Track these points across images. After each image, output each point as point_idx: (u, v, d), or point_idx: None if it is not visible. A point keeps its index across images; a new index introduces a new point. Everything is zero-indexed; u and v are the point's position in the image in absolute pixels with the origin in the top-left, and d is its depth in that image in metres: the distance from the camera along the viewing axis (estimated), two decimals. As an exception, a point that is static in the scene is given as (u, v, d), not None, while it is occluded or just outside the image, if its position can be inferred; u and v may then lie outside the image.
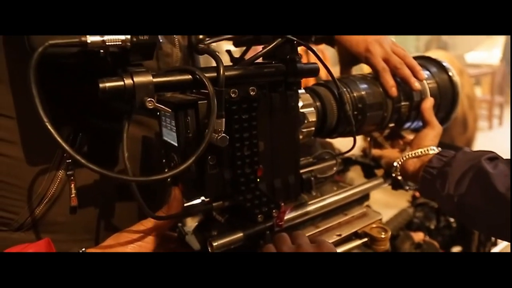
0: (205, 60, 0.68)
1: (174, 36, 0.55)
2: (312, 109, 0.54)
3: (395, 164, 0.63)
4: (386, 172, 0.66)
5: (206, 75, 0.40)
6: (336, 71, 0.54)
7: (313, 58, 0.50)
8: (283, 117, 0.47)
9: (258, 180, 0.46)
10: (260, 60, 0.47)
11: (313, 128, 0.55)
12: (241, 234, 0.47)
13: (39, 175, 0.47)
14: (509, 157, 0.52)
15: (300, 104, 0.51)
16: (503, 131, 4.20)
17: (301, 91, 0.55)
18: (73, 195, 0.48)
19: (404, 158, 0.62)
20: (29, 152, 0.47)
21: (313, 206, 0.56)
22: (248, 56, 0.48)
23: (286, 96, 0.47)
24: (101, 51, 0.36)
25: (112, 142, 0.51)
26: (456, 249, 1.05)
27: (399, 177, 0.63)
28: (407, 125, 0.69)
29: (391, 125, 0.66)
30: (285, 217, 0.51)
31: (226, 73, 0.41)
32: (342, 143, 0.76)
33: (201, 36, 0.49)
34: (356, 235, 0.57)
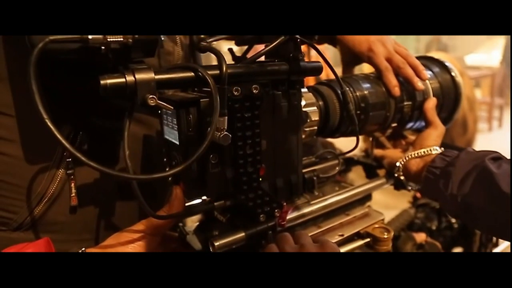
0: (206, 60, 0.67)
1: (176, 34, 0.55)
2: (315, 108, 0.54)
3: (397, 164, 0.63)
4: (388, 172, 0.66)
5: (209, 72, 0.39)
6: (337, 71, 0.53)
7: (313, 59, 0.50)
8: (286, 115, 0.47)
9: (261, 179, 0.46)
10: (262, 58, 0.47)
11: (315, 128, 0.54)
12: (243, 234, 0.46)
13: (39, 174, 0.47)
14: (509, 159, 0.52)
15: (303, 103, 0.50)
16: (503, 133, 4.20)
17: (304, 90, 0.54)
18: (73, 195, 0.47)
19: (407, 158, 0.62)
20: (28, 150, 0.47)
21: (316, 206, 0.55)
22: (249, 55, 0.47)
23: (289, 94, 0.47)
24: (102, 47, 0.35)
25: (113, 140, 0.50)
26: (457, 250, 1.05)
27: (402, 177, 0.63)
28: (410, 125, 0.69)
29: (394, 125, 0.66)
30: (287, 217, 0.50)
31: (228, 71, 0.40)
32: (343, 144, 0.76)
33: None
34: (358, 235, 0.56)
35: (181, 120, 0.41)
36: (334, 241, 0.53)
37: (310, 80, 1.21)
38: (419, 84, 0.63)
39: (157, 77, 0.37)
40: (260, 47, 0.46)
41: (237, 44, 0.53)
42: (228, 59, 0.44)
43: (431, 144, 0.61)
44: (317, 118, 0.54)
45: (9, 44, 0.44)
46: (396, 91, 0.62)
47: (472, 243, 0.98)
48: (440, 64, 0.72)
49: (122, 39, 0.35)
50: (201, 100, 0.41)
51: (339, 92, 0.55)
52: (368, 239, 0.55)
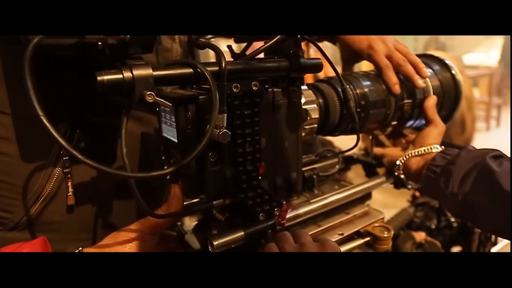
0: (204, 57, 0.67)
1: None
2: (315, 105, 0.53)
3: (397, 162, 0.63)
4: (388, 170, 0.66)
5: (208, 69, 0.39)
6: (337, 69, 0.53)
7: (312, 56, 0.49)
8: (285, 113, 0.46)
9: (260, 177, 0.45)
10: (262, 55, 0.46)
11: (315, 125, 0.54)
12: (242, 233, 0.46)
13: (35, 173, 0.46)
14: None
15: (303, 100, 0.50)
16: (501, 132, 4.22)
17: (304, 87, 0.54)
18: (70, 194, 0.47)
19: (407, 157, 0.61)
20: (24, 149, 0.46)
21: (315, 204, 0.55)
22: (248, 52, 0.47)
23: (288, 91, 0.46)
24: (99, 43, 0.35)
25: (110, 138, 0.50)
26: (456, 249, 1.05)
27: (402, 176, 0.63)
28: (410, 123, 0.68)
29: (394, 123, 0.65)
30: (287, 216, 0.50)
31: (228, 67, 0.39)
32: (342, 142, 0.75)
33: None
34: (358, 234, 0.56)
35: (180, 117, 0.40)
36: (334, 240, 0.53)
37: (308, 78, 1.21)
38: (420, 82, 0.63)
39: (155, 73, 0.36)
40: (259, 45, 0.45)
41: (236, 41, 0.53)
42: (227, 57, 0.43)
43: (432, 143, 0.61)
44: (317, 116, 0.53)
45: (3, 44, 0.43)
46: (397, 88, 0.61)
47: (471, 242, 0.98)
48: (441, 62, 0.71)
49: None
50: (199, 97, 0.40)
51: (339, 89, 0.55)
52: (368, 238, 0.55)
